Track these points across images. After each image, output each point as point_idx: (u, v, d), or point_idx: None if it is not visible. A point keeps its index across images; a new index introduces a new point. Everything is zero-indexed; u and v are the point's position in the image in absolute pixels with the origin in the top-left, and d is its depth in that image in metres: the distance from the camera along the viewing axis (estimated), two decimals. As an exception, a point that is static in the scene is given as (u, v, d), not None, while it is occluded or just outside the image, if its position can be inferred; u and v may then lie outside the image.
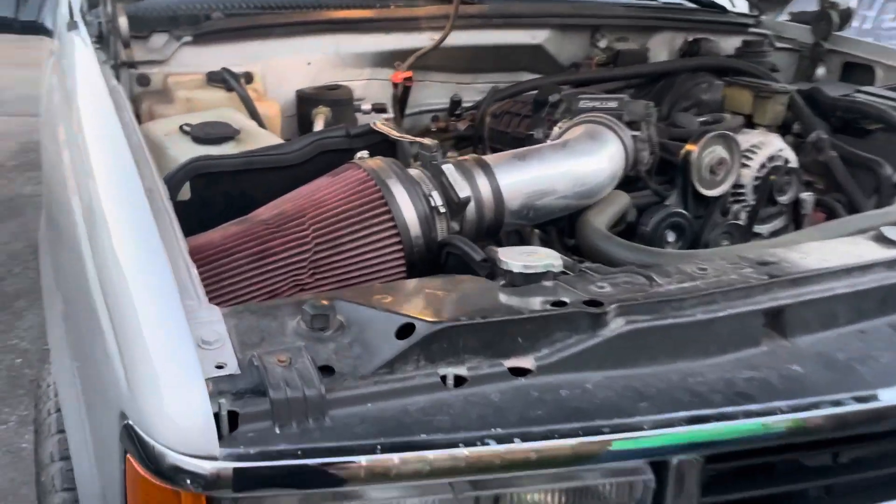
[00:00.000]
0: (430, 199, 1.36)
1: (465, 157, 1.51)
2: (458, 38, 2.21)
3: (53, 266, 1.59)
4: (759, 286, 1.06)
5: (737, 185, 1.80)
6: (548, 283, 1.04)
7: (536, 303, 0.98)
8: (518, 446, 0.84)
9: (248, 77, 2.04)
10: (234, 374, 0.85)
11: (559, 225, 1.67)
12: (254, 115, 1.86)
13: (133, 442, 0.83)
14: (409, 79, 2.13)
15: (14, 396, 2.89)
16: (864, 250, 1.21)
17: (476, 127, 2.11)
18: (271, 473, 0.81)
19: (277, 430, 0.82)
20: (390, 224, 1.32)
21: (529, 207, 1.50)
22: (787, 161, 1.86)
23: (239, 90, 1.88)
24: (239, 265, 1.24)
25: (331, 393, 0.85)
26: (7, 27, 2.28)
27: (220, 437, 0.80)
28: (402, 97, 2.17)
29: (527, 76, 2.36)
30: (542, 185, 1.52)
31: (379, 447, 0.82)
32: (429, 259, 1.34)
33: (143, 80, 2.00)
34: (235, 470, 0.79)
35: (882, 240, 1.24)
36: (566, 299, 0.99)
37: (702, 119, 2.02)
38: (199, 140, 1.61)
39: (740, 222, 1.80)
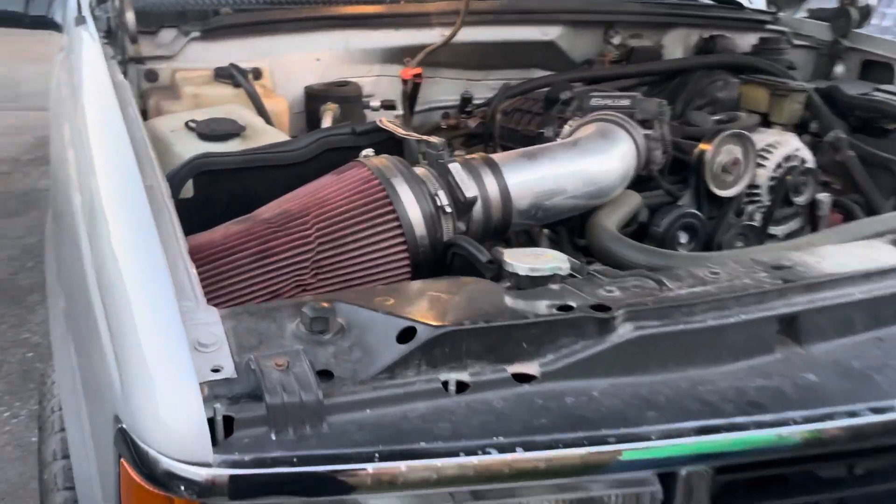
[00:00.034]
0: (436, 198, 1.34)
1: (473, 155, 1.48)
2: (469, 34, 2.19)
3: (57, 262, 1.59)
4: (773, 291, 1.03)
5: (752, 186, 1.77)
6: (554, 287, 1.02)
7: (542, 307, 0.96)
8: (527, 455, 0.82)
9: (257, 73, 2.03)
10: (231, 377, 0.83)
11: (569, 225, 1.64)
12: (261, 111, 1.85)
13: (127, 446, 0.81)
14: (418, 75, 2.11)
15: (25, 390, 2.90)
16: (882, 254, 1.17)
17: (486, 124, 2.09)
18: (268, 480, 0.79)
19: (273, 437, 0.80)
20: (395, 224, 1.30)
21: (538, 207, 1.48)
22: (803, 161, 1.83)
23: (246, 86, 1.87)
24: (240, 265, 1.22)
25: (329, 398, 0.83)
26: (17, 22, 2.28)
27: (216, 442, 0.78)
28: (411, 94, 2.15)
29: (538, 73, 2.33)
30: (552, 185, 1.49)
31: (377, 455, 0.80)
32: (434, 260, 1.32)
33: (151, 76, 2.00)
34: (232, 477, 0.77)
35: (901, 243, 1.21)
36: (573, 303, 0.96)
37: (717, 117, 1.99)
38: (204, 136, 1.60)
39: (755, 223, 1.77)
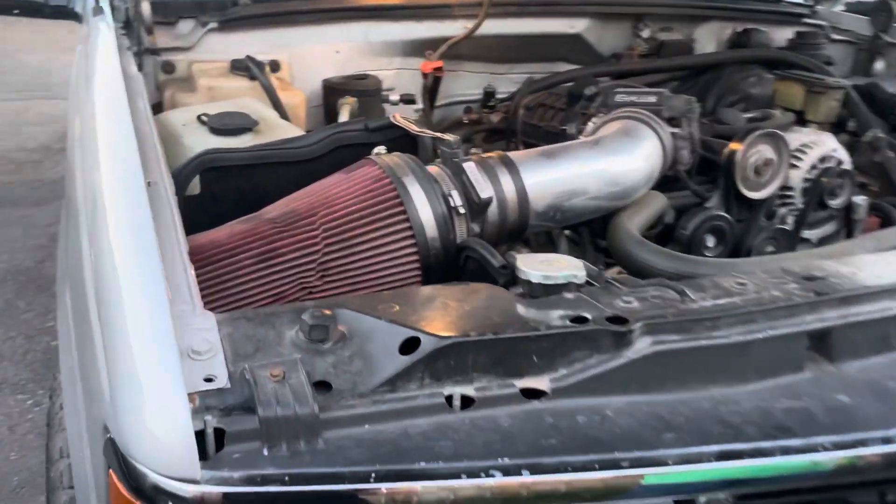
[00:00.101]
0: (450, 198, 1.29)
1: (489, 154, 1.43)
2: (493, 27, 2.16)
3: (65, 255, 1.57)
4: (803, 304, 0.98)
5: (784, 188, 1.72)
6: (569, 296, 0.98)
7: (555, 317, 0.92)
8: (547, 478, 0.78)
9: (275, 65, 2.00)
10: (224, 387, 0.80)
11: (591, 226, 1.59)
12: (276, 104, 1.82)
13: (115, 457, 0.79)
14: (439, 69, 2.08)
15: (48, 379, 2.92)
16: (923, 264, 1.11)
17: (509, 120, 2.04)
18: (257, 500, 0.75)
19: (265, 452, 0.76)
20: (405, 225, 1.25)
21: (557, 209, 1.42)
22: (840, 162, 1.78)
23: (261, 79, 1.84)
24: (244, 266, 1.18)
25: (325, 412, 0.79)
26: (37, 12, 2.29)
27: (206, 456, 0.75)
28: (432, 88, 2.11)
29: (564, 67, 2.29)
30: (572, 186, 1.44)
31: (373, 475, 0.76)
32: (446, 263, 1.27)
33: (168, 68, 1.98)
34: (220, 495, 0.74)
35: (945, 253, 1.14)
36: (588, 315, 0.92)
37: (749, 115, 1.95)
38: (216, 131, 1.57)
39: (787, 227, 1.72)
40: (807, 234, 1.75)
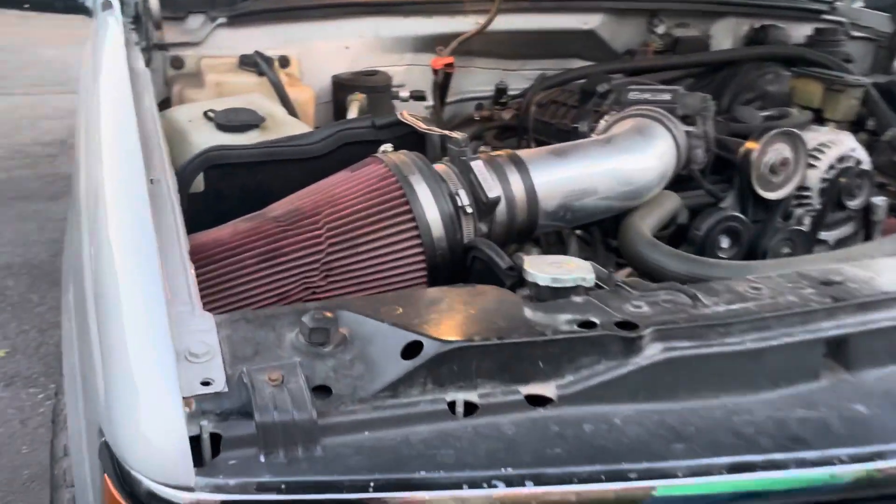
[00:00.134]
0: (457, 197, 1.27)
1: (498, 152, 1.41)
2: (504, 23, 2.14)
3: (69, 253, 1.56)
4: (820, 311, 0.95)
5: (801, 188, 1.70)
6: (578, 299, 0.95)
7: (562, 322, 0.89)
8: (558, 489, 0.76)
9: (284, 61, 1.99)
10: (221, 391, 0.78)
11: (603, 225, 1.56)
12: (284, 101, 1.80)
13: (109, 462, 0.77)
14: (450, 65, 2.05)
15: (59, 374, 2.93)
16: (946, 269, 1.07)
17: (521, 117, 2.02)
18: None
19: (262, 459, 0.75)
20: (411, 224, 1.23)
21: (567, 209, 1.40)
22: (858, 162, 1.75)
23: (270, 75, 1.82)
24: (246, 265, 1.16)
25: (324, 418, 0.77)
26: (48, 6, 2.29)
27: (201, 462, 0.73)
28: (443, 84, 2.09)
29: (577, 63, 2.26)
30: (582, 185, 1.41)
31: (372, 484, 0.74)
32: (452, 263, 1.25)
33: (177, 63, 1.97)
34: (216, 504, 0.72)
35: (967, 257, 1.11)
36: (596, 319, 0.89)
37: (766, 113, 1.93)
38: (222, 127, 1.56)
39: (803, 228, 1.69)
40: (824, 235, 1.73)
